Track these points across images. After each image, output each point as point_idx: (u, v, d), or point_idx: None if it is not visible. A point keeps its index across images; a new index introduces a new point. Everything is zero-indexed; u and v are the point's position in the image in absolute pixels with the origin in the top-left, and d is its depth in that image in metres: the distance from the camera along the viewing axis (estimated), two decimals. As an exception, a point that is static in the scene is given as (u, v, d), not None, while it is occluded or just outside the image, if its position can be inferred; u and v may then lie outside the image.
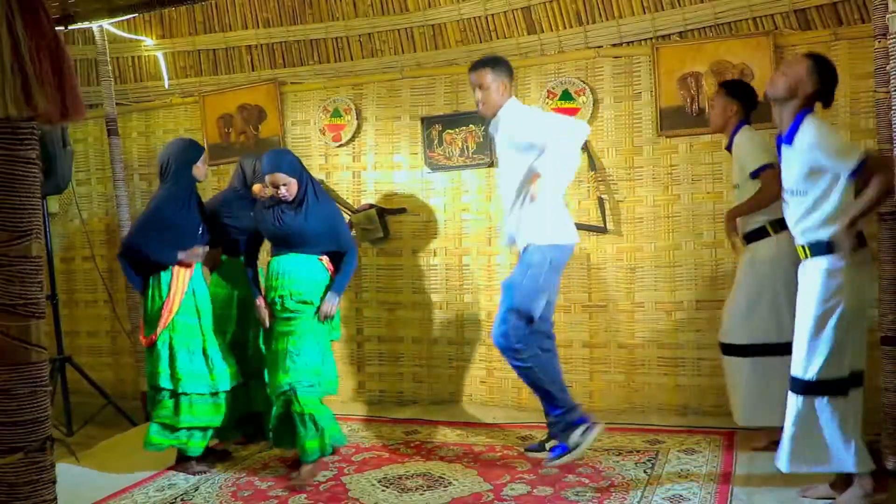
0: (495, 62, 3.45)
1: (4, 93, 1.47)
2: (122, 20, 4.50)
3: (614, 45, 4.25)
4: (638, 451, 3.57)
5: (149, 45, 5.11)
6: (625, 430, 3.93)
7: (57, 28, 1.59)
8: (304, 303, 3.41)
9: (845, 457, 2.71)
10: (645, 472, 3.30)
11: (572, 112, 4.27)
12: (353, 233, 4.73)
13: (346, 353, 4.87)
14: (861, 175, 2.64)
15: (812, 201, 2.73)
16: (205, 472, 3.52)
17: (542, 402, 3.46)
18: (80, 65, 5.23)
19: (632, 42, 4.22)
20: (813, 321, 2.71)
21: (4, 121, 1.49)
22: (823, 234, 2.71)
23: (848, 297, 2.70)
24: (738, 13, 3.96)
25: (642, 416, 4.15)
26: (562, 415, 3.35)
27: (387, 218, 4.67)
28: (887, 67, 2.91)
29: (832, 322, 2.69)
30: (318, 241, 3.45)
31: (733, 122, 3.45)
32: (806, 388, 2.72)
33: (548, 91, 4.32)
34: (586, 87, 4.26)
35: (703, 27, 4.07)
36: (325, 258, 3.48)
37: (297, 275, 3.41)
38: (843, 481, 2.83)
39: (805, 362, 2.72)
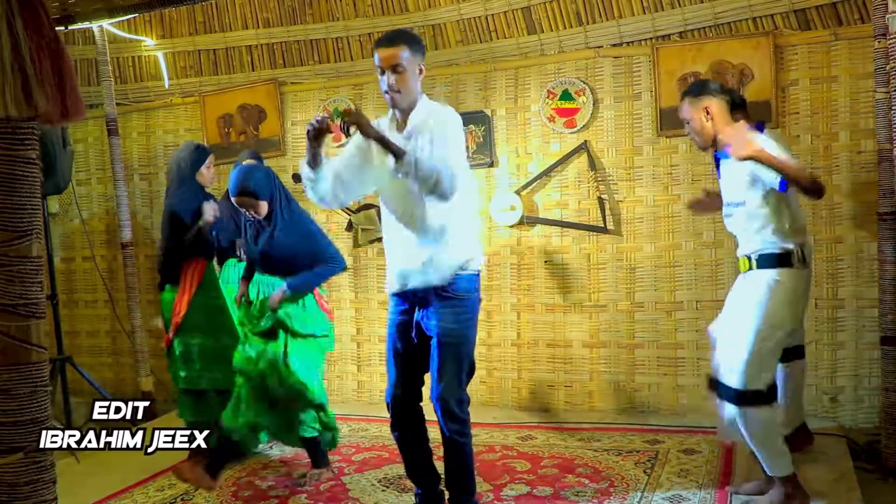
0: (413, 38, 2.63)
1: (4, 93, 1.47)
2: (122, 20, 4.51)
3: (614, 46, 4.25)
4: (638, 451, 3.57)
5: (149, 45, 5.11)
6: (625, 430, 3.93)
7: (57, 28, 1.59)
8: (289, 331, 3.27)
9: (765, 461, 2.76)
10: (645, 472, 3.30)
11: (572, 112, 4.28)
12: (353, 233, 4.73)
13: (347, 353, 4.87)
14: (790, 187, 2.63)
15: (754, 211, 2.74)
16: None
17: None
18: (80, 65, 5.23)
19: (632, 42, 4.22)
20: (753, 334, 2.69)
21: (4, 121, 1.49)
22: (771, 247, 2.72)
23: (786, 311, 2.71)
24: (738, 13, 3.97)
25: (642, 416, 4.15)
26: None
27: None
28: (887, 67, 2.92)
29: (770, 334, 2.70)
30: (289, 265, 3.20)
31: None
32: (741, 399, 2.71)
33: (548, 91, 4.32)
34: (586, 87, 4.26)
35: (703, 27, 4.07)
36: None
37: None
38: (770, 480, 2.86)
39: (743, 373, 2.69)
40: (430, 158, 2.44)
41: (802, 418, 3.27)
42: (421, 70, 2.63)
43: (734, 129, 2.74)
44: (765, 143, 2.87)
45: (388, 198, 2.72)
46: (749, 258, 2.78)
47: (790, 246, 2.71)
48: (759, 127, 3.25)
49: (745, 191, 2.74)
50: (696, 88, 2.86)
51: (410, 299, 2.68)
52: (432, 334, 2.64)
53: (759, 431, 2.71)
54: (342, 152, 2.77)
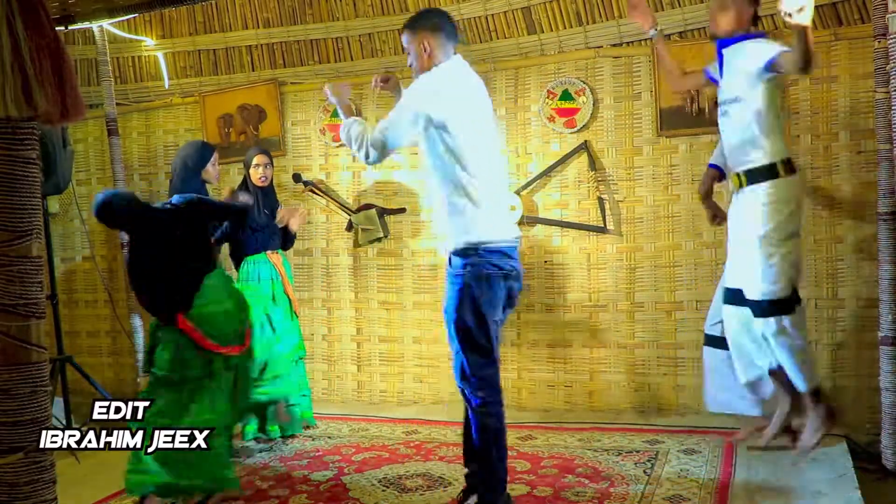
0: (414, 21, 2.76)
1: (5, 93, 1.47)
2: (122, 20, 4.50)
3: (614, 45, 4.25)
4: (638, 451, 3.57)
5: (149, 45, 5.11)
6: (625, 430, 3.93)
7: (57, 28, 1.59)
8: None
9: (802, 373, 2.91)
10: (645, 472, 3.30)
11: (572, 112, 4.27)
12: (353, 233, 4.73)
13: (346, 353, 4.88)
14: (774, 69, 2.83)
15: (751, 114, 2.87)
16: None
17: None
18: (80, 65, 5.23)
19: (632, 42, 4.22)
20: (771, 247, 2.88)
21: (4, 121, 1.50)
22: (759, 161, 2.88)
23: (789, 221, 2.89)
24: (738, 13, 3.96)
25: (642, 416, 4.15)
26: None
27: (387, 218, 4.67)
28: (887, 67, 2.92)
29: (786, 246, 2.88)
30: None
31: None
32: (779, 307, 2.87)
33: (548, 91, 4.32)
34: (586, 87, 4.26)
35: (703, 27, 4.06)
36: None
37: None
38: (785, 429, 3.00)
39: (773, 283, 2.88)
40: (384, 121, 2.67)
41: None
42: (425, 48, 2.70)
43: None
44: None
45: None
46: (739, 175, 2.91)
47: (775, 159, 2.91)
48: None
49: (746, 84, 2.86)
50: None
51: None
52: None
53: (798, 336, 2.87)
54: None
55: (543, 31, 4.37)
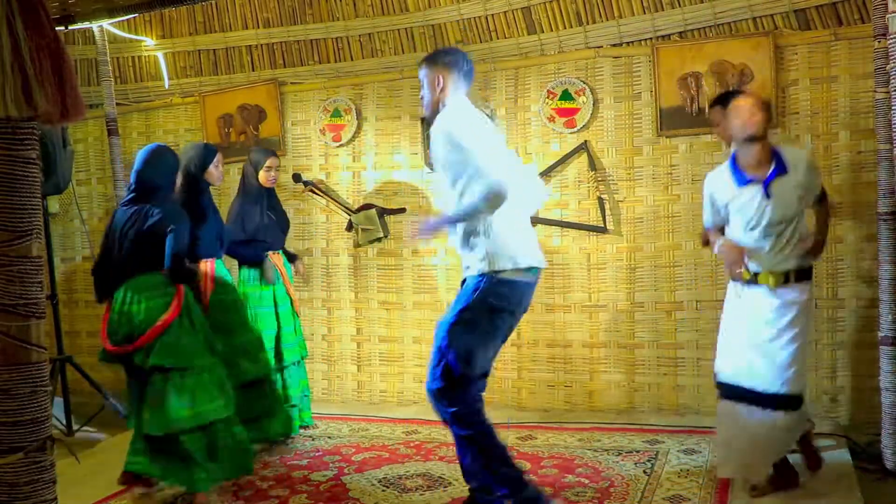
0: (432, 56, 2.88)
1: (4, 93, 1.47)
2: (122, 20, 4.50)
3: (614, 45, 4.25)
4: (638, 451, 3.57)
5: (149, 45, 5.11)
6: (625, 430, 3.93)
7: (57, 28, 1.59)
8: None
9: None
10: (645, 472, 3.30)
11: (572, 112, 4.27)
12: (353, 233, 4.73)
13: (346, 353, 4.88)
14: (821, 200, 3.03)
15: (793, 229, 2.92)
16: None
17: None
18: (80, 65, 5.23)
19: (632, 42, 4.22)
20: (802, 347, 2.94)
21: (4, 121, 1.49)
22: (797, 263, 2.94)
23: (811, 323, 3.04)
24: (738, 13, 3.96)
25: (642, 416, 4.15)
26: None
27: (387, 218, 4.67)
28: (887, 67, 2.92)
29: (807, 345, 3.02)
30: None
31: None
32: (789, 403, 2.91)
33: (548, 91, 4.32)
34: (586, 87, 4.26)
35: (703, 27, 4.07)
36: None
37: None
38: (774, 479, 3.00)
39: (793, 381, 2.91)
40: (454, 197, 2.68)
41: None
42: (439, 82, 2.78)
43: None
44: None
45: None
46: (787, 274, 2.91)
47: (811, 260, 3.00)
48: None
49: (795, 207, 2.90)
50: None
51: None
52: None
53: (791, 433, 2.93)
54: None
55: (543, 31, 4.37)
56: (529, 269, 2.72)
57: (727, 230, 3.03)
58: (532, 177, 3.15)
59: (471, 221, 2.65)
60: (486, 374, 2.80)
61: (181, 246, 3.13)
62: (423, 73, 2.83)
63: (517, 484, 2.69)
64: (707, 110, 3.72)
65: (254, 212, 3.95)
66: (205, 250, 3.56)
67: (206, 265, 3.58)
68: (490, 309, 2.67)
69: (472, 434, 2.70)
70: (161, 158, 3.22)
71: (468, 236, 2.69)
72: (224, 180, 3.91)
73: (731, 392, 2.95)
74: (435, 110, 2.79)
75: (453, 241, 2.82)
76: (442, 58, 2.82)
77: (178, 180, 3.50)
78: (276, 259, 4.05)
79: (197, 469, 3.09)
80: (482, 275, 2.67)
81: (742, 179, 2.90)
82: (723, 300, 3.65)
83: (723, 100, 3.42)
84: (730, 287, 3.07)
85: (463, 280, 2.80)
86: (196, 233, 3.46)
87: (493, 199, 2.54)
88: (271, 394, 3.80)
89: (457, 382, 2.69)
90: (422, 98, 2.87)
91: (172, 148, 3.46)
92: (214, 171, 3.61)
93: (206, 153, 3.60)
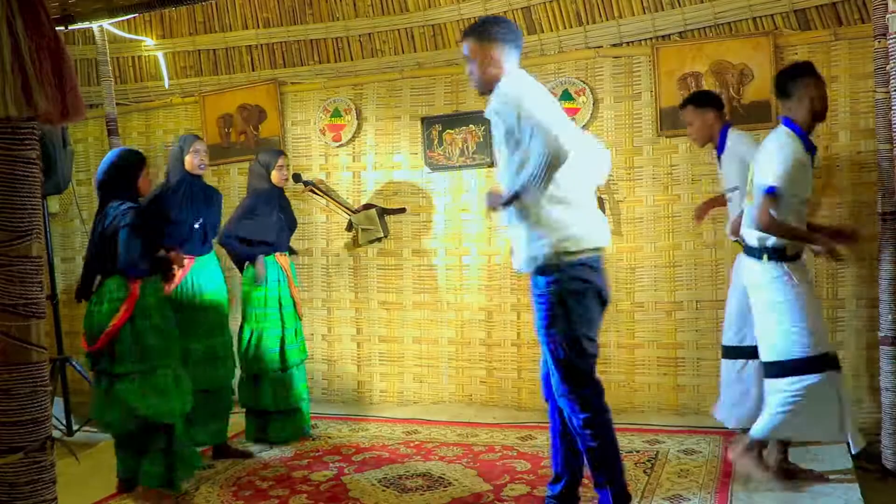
0: (480, 29, 2.66)
1: (4, 93, 1.47)
2: (122, 20, 4.51)
3: (614, 45, 4.25)
4: (638, 451, 3.57)
5: (149, 45, 5.11)
6: (625, 430, 3.92)
7: (57, 28, 1.59)
8: None
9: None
10: (645, 472, 3.30)
11: (572, 112, 4.27)
12: (353, 233, 4.73)
13: (346, 353, 4.88)
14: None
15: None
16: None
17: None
18: (80, 65, 5.23)
19: (632, 42, 4.22)
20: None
21: (4, 121, 1.49)
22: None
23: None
24: (738, 13, 3.97)
25: (642, 416, 4.15)
26: None
27: (387, 218, 4.67)
28: (887, 67, 2.92)
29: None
30: None
31: (717, 128, 3.49)
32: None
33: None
34: (586, 87, 4.26)
35: (703, 27, 4.07)
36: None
37: None
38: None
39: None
40: (512, 173, 2.50)
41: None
42: (491, 57, 2.59)
43: None
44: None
45: None
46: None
47: None
48: (725, 129, 3.37)
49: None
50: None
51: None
52: None
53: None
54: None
55: (543, 31, 4.37)
56: (597, 249, 2.63)
57: (784, 202, 2.93)
58: (596, 147, 2.99)
59: (532, 195, 2.43)
60: (595, 357, 2.71)
61: (131, 245, 3.12)
62: (469, 47, 2.62)
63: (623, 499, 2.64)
64: (679, 111, 3.66)
65: (268, 212, 3.95)
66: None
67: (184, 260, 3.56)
68: (573, 293, 2.57)
69: (597, 446, 2.62)
70: (110, 162, 3.26)
71: (528, 219, 2.53)
72: (224, 180, 3.91)
73: (832, 362, 2.95)
74: (489, 87, 2.60)
75: (510, 229, 2.66)
76: (492, 30, 2.62)
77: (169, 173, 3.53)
78: (281, 260, 4.03)
79: (146, 463, 3.16)
80: (548, 265, 2.54)
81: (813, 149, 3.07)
82: (723, 300, 3.68)
83: (695, 99, 3.50)
84: (788, 273, 2.94)
85: (533, 273, 2.61)
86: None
87: (554, 155, 2.35)
88: (227, 399, 3.77)
89: (579, 375, 2.64)
90: (470, 74, 2.66)
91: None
92: (189, 158, 3.62)
93: (181, 142, 3.67)
